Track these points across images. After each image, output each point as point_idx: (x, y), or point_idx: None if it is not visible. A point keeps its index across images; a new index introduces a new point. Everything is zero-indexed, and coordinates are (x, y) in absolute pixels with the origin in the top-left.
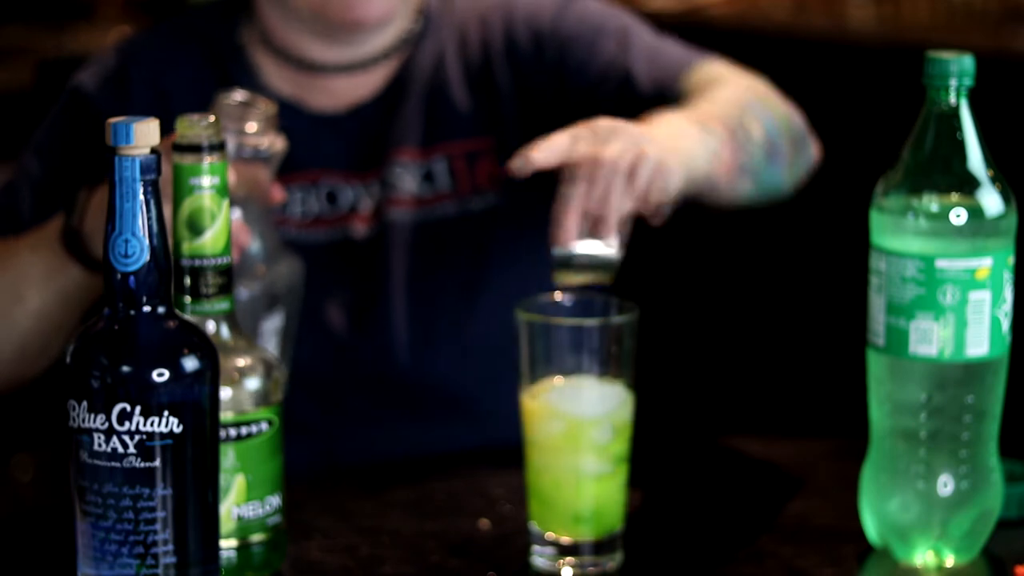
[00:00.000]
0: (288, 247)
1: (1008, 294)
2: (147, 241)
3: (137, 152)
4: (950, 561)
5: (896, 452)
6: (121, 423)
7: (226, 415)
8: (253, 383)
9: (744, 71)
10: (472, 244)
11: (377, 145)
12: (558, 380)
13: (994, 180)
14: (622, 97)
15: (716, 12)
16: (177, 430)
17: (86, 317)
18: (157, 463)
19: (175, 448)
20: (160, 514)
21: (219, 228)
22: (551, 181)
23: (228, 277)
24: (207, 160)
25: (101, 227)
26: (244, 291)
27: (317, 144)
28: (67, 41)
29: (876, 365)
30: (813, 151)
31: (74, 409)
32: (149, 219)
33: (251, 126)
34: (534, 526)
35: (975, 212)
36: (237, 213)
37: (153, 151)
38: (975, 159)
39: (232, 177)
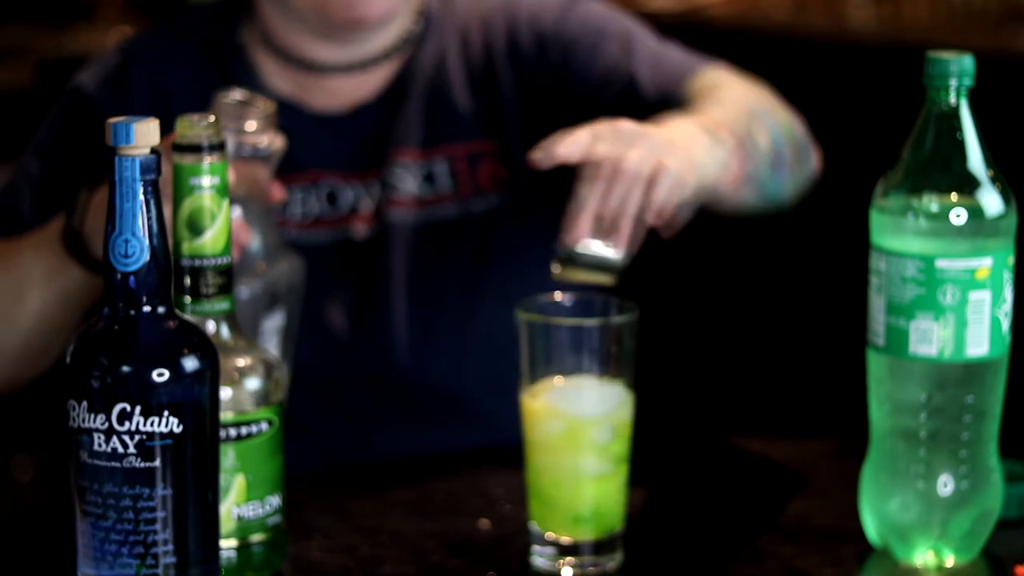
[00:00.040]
0: (289, 246)
1: (1008, 294)
2: (147, 241)
3: (137, 152)
4: (950, 561)
5: (896, 452)
6: (121, 423)
7: (226, 415)
8: (253, 383)
9: (746, 77)
10: (473, 245)
11: (378, 146)
12: (558, 380)
13: (994, 180)
14: (625, 102)
15: (716, 12)
16: (177, 430)
17: (87, 317)
18: (157, 463)
19: (175, 448)
20: (160, 514)
21: (219, 228)
22: (552, 183)
23: (228, 277)
24: (207, 160)
25: (101, 227)
26: (245, 289)
27: (317, 144)
28: (67, 41)
29: (876, 365)
30: (814, 162)
31: (74, 409)
32: (149, 219)
33: (250, 125)
34: (534, 526)
35: (975, 212)
36: (237, 212)
37: (153, 151)
38: (975, 159)
39: (232, 176)
